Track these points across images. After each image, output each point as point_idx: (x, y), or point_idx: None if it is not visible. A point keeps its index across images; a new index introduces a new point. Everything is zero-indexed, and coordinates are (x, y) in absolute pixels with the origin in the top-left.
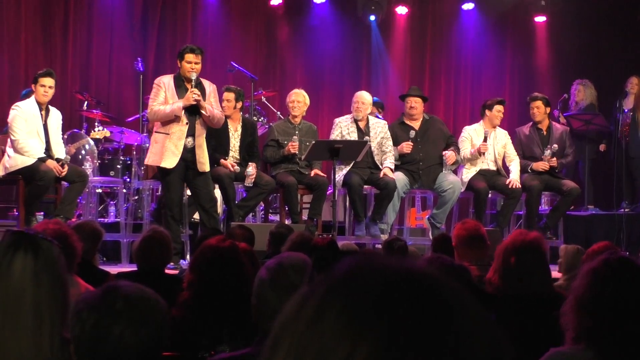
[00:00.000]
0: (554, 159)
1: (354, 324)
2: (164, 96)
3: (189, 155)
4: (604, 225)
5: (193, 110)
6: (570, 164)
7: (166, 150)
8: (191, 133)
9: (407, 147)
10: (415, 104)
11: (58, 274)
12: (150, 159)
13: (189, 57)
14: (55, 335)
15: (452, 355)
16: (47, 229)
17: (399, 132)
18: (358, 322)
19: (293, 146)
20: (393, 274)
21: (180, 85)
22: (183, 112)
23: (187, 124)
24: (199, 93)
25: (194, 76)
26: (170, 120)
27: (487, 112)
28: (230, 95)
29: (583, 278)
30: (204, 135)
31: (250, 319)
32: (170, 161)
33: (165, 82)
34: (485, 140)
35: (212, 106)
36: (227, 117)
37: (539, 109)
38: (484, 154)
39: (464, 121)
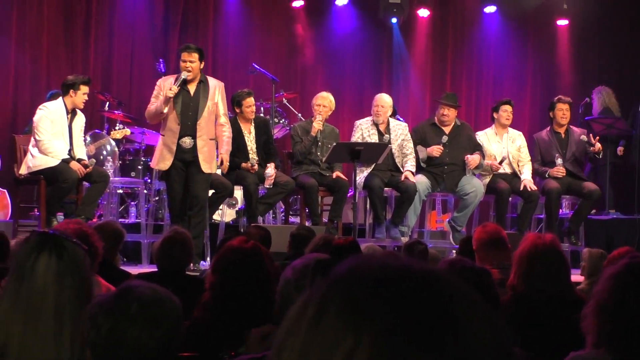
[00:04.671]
0: (598, 145)
1: (355, 317)
2: (160, 97)
3: (186, 155)
4: (625, 230)
5: (190, 111)
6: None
7: (161, 152)
8: (190, 133)
9: (437, 150)
10: (449, 112)
11: (82, 276)
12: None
13: (183, 55)
14: (76, 338)
15: (453, 341)
16: (68, 229)
17: (429, 132)
18: (359, 316)
19: (318, 122)
20: (391, 269)
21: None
22: (176, 112)
23: (179, 124)
24: (176, 90)
25: (184, 75)
26: (165, 121)
27: (495, 114)
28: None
29: (605, 282)
30: (209, 135)
31: (271, 320)
32: (164, 163)
33: (166, 83)
34: (501, 162)
35: (220, 105)
36: (236, 122)
37: (567, 112)
38: (495, 172)
39: (485, 124)
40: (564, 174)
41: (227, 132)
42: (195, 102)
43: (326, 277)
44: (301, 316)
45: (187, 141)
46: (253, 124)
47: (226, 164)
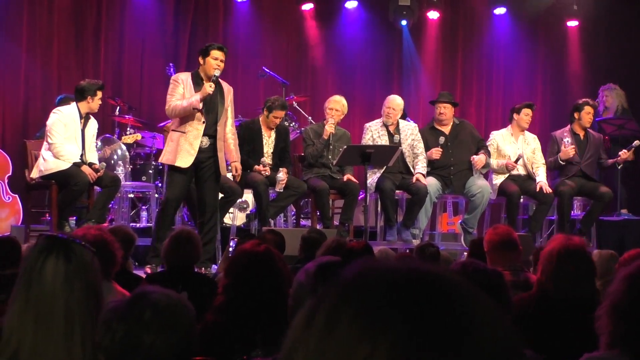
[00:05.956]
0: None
1: (370, 326)
2: (181, 92)
3: (202, 155)
4: (636, 230)
5: (211, 111)
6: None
7: (181, 150)
8: (208, 133)
9: (436, 153)
10: (445, 109)
11: (91, 279)
12: (164, 157)
13: (216, 53)
14: (87, 341)
15: (468, 346)
16: (88, 234)
17: (429, 137)
18: (373, 324)
19: (331, 125)
20: (401, 273)
21: (199, 82)
22: (201, 111)
23: (203, 122)
24: (214, 87)
25: (217, 73)
26: (187, 118)
27: (515, 115)
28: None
29: (620, 283)
30: (222, 137)
31: (284, 324)
32: (185, 160)
33: (184, 78)
34: (516, 161)
35: (230, 109)
36: (259, 122)
37: (590, 115)
38: (510, 171)
39: (495, 125)
40: (575, 153)
41: (235, 140)
42: (214, 103)
43: (334, 283)
44: (310, 324)
45: (204, 141)
46: (275, 130)
47: (240, 171)
